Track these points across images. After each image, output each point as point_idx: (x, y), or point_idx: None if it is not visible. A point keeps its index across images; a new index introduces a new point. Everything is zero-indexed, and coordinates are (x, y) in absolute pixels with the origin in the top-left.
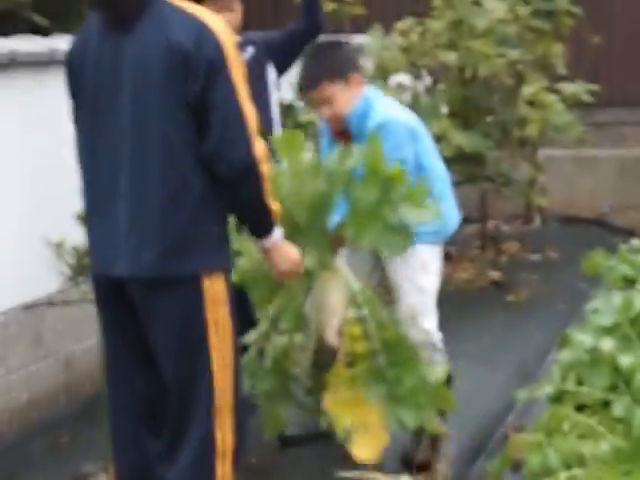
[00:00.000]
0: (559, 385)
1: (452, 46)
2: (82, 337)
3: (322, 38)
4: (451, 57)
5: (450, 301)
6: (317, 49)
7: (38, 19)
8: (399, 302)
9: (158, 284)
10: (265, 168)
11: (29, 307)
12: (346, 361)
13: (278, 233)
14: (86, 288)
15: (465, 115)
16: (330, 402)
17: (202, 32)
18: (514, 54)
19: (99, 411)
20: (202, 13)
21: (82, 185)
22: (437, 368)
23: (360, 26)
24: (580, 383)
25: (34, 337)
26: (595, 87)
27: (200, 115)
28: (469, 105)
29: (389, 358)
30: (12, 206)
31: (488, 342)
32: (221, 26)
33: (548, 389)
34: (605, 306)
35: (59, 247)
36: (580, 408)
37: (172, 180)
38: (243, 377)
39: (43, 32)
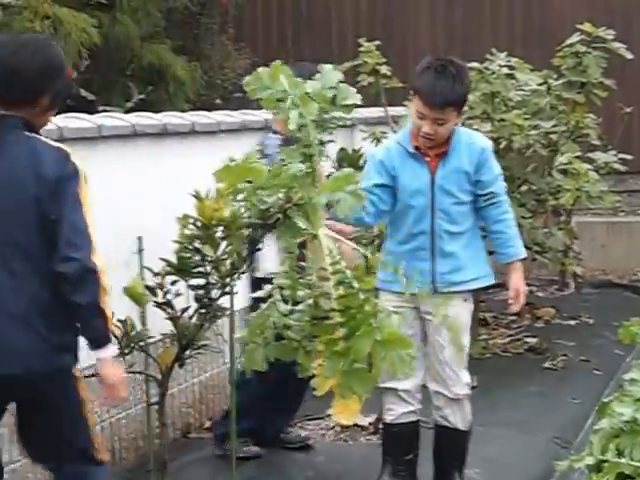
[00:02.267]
0: (598, 455)
1: (487, 118)
2: (126, 405)
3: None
4: (486, 128)
5: (487, 367)
6: (457, 68)
7: (85, 93)
8: (443, 361)
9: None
10: (104, 280)
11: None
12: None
13: (113, 349)
14: (131, 358)
15: None
16: (317, 368)
17: (60, 159)
18: (547, 125)
19: (143, 478)
20: (58, 144)
21: None
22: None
23: (397, 99)
24: (620, 453)
25: None
26: (627, 156)
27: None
28: (504, 175)
29: (346, 330)
30: None
31: (525, 409)
32: (72, 156)
33: (588, 460)
34: None
35: None
36: (620, 479)
37: (41, 289)
38: None
39: (89, 106)
